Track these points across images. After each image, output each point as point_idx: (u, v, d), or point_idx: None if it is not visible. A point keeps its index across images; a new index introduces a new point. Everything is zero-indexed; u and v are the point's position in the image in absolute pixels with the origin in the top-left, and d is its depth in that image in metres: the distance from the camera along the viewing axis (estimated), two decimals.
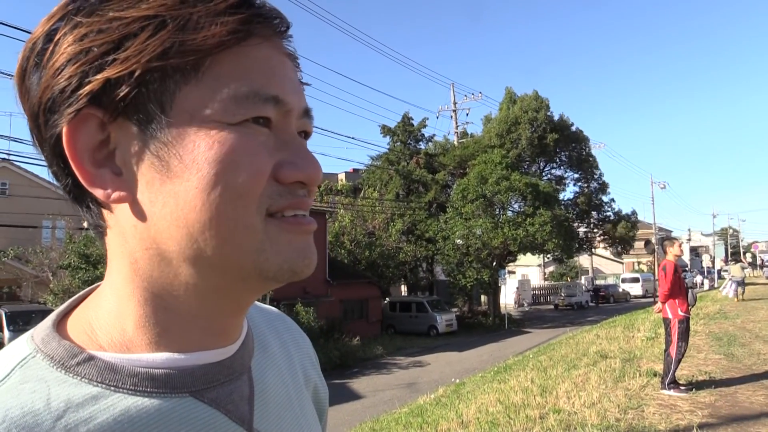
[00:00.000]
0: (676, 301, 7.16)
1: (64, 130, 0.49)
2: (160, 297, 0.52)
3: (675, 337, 7.07)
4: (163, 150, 0.49)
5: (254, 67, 0.51)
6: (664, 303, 7.26)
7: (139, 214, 0.51)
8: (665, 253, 7.47)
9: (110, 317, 0.53)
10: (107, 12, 0.48)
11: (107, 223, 0.54)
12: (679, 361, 7.12)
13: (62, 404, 0.46)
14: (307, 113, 0.57)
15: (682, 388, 7.07)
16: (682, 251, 7.53)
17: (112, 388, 0.49)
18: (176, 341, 0.53)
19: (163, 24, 0.48)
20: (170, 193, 0.49)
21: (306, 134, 0.58)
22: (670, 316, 7.20)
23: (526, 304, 42.17)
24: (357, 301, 25.05)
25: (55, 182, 0.55)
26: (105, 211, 0.54)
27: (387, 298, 28.68)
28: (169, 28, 0.48)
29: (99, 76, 0.47)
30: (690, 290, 7.43)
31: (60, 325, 0.54)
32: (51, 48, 0.49)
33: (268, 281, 0.53)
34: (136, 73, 0.47)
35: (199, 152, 0.49)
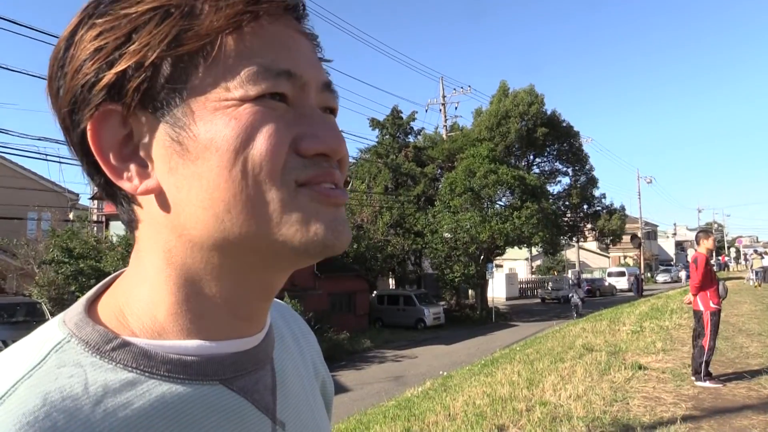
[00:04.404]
0: (708, 293, 7.25)
1: (88, 127, 0.51)
2: (193, 283, 0.53)
3: (708, 330, 7.15)
4: (182, 134, 0.50)
5: (264, 44, 0.51)
6: (695, 295, 7.35)
7: (168, 202, 0.52)
8: (698, 245, 7.54)
9: (142, 305, 0.53)
10: (118, 10, 0.50)
11: (139, 218, 0.55)
12: (711, 353, 7.19)
13: (100, 389, 0.47)
14: (327, 87, 0.57)
15: (716, 379, 7.15)
16: (715, 245, 7.65)
17: (147, 374, 0.50)
18: (207, 328, 0.54)
19: (168, 13, 0.49)
20: (194, 176, 0.50)
21: (332, 111, 0.58)
22: (701, 308, 7.28)
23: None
24: (345, 294, 25.05)
25: (90, 180, 0.58)
26: (135, 206, 0.55)
27: (375, 292, 28.70)
28: (174, 16, 0.49)
29: (111, 71, 0.49)
30: (721, 283, 7.50)
31: (91, 309, 0.54)
32: (71, 53, 0.51)
33: (300, 255, 0.53)
34: (146, 63, 0.49)
35: (217, 131, 0.49)
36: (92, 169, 0.54)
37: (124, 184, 0.52)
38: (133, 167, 0.52)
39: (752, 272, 28.63)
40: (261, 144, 0.49)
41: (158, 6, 0.49)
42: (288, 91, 0.52)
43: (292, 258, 0.53)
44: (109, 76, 0.49)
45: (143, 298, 0.53)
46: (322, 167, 0.53)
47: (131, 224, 0.56)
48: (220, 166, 0.49)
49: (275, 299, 0.75)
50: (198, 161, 0.50)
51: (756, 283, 26.58)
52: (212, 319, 0.54)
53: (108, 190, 0.55)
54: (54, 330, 0.51)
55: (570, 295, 28.03)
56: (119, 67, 0.49)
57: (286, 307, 0.78)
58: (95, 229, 23.82)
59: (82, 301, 0.55)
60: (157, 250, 0.54)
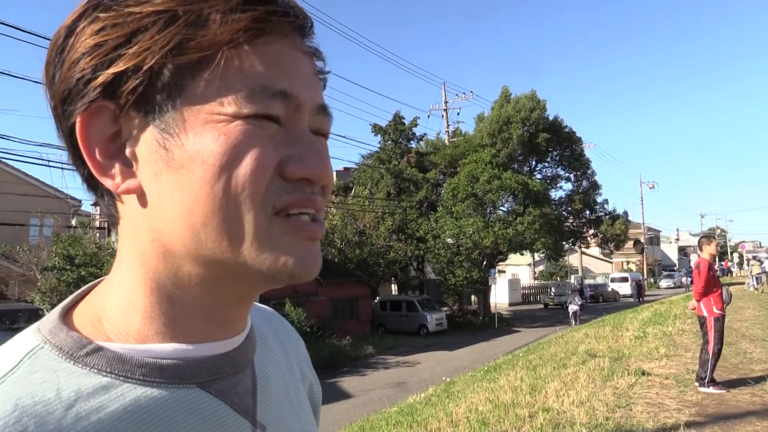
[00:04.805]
0: (711, 299, 7.23)
1: (78, 121, 0.51)
2: (166, 288, 0.53)
3: (712, 335, 7.13)
4: (170, 142, 0.50)
5: (264, 62, 0.51)
6: (698, 301, 7.32)
7: (147, 205, 0.52)
8: (701, 250, 7.51)
9: (118, 308, 0.53)
10: (123, 7, 0.49)
11: (119, 214, 0.55)
12: (717, 359, 7.15)
13: (73, 394, 0.47)
14: (323, 110, 0.57)
15: (719, 385, 7.12)
16: (718, 250, 7.62)
17: (121, 378, 0.50)
18: (183, 332, 0.54)
19: (174, 19, 0.49)
20: (176, 185, 0.50)
21: (324, 134, 0.58)
22: (705, 314, 7.26)
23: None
24: (347, 300, 25.01)
25: (75, 171, 0.57)
26: (117, 202, 0.55)
27: (377, 297, 28.67)
28: (179, 23, 0.49)
29: (109, 70, 0.49)
30: (725, 288, 7.48)
31: (66, 316, 0.55)
32: (71, 42, 0.51)
33: (266, 281, 0.53)
34: (144, 68, 0.49)
35: (205, 144, 0.49)
36: (78, 160, 0.54)
37: (107, 181, 0.52)
38: (117, 165, 0.52)
39: (752, 278, 29.46)
40: (247, 165, 0.49)
41: (164, 10, 0.49)
42: (282, 111, 0.52)
43: (257, 281, 0.54)
44: (105, 75, 0.49)
45: (120, 301, 0.53)
46: (304, 192, 0.53)
47: (111, 218, 0.57)
48: (203, 179, 0.49)
49: (261, 305, 0.76)
50: (182, 171, 0.50)
51: (756, 289, 27.27)
52: (188, 323, 0.54)
53: (91, 183, 0.55)
54: (29, 338, 0.51)
55: (567, 302, 26.52)
56: (117, 68, 0.49)
57: (273, 313, 0.78)
58: (98, 235, 23.85)
59: (58, 308, 0.55)
60: (134, 250, 0.54)
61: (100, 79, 0.49)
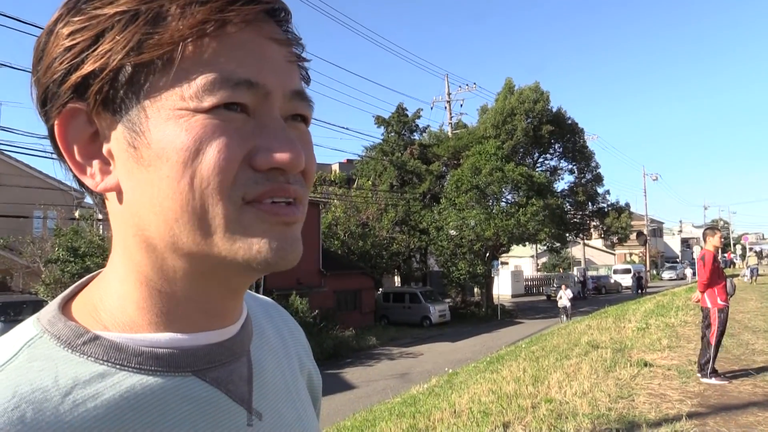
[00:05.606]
0: (715, 290, 7.25)
1: (55, 123, 0.52)
2: (153, 281, 0.54)
3: (715, 326, 7.16)
4: (138, 140, 0.50)
5: (226, 52, 0.50)
6: (703, 293, 7.34)
7: (125, 202, 0.53)
8: (705, 242, 7.53)
9: (113, 299, 0.55)
10: (92, 9, 0.50)
11: (107, 209, 0.57)
12: (717, 349, 7.19)
13: (70, 381, 0.48)
14: (299, 96, 0.55)
15: (721, 376, 7.15)
16: (721, 242, 7.62)
17: (118, 366, 0.51)
18: (176, 322, 0.55)
19: (134, 18, 0.49)
20: (146, 182, 0.51)
21: (303, 118, 0.57)
22: (709, 305, 7.29)
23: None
24: (350, 292, 25.06)
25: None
26: (105, 199, 0.56)
27: (380, 289, 28.71)
28: (139, 21, 0.49)
29: (77, 73, 0.50)
30: (729, 279, 7.50)
31: (65, 307, 0.56)
32: (48, 46, 0.52)
33: (246, 270, 0.53)
34: (107, 69, 0.49)
35: (168, 141, 0.49)
36: (63, 159, 0.55)
37: (87, 180, 0.54)
38: (96, 164, 0.53)
39: (747, 269, 30.32)
40: (210, 158, 0.49)
41: (126, 10, 0.49)
42: (249, 100, 0.51)
43: (238, 271, 0.53)
44: (74, 77, 0.50)
45: (115, 292, 0.55)
46: (276, 182, 0.52)
47: (103, 214, 0.58)
48: (169, 176, 0.49)
49: (260, 295, 0.76)
50: (150, 168, 0.50)
51: (751, 280, 28.23)
52: (180, 313, 0.55)
53: (80, 182, 0.56)
54: (29, 327, 0.53)
55: (558, 296, 24.12)
56: (82, 71, 0.50)
57: (271, 303, 0.78)
58: (101, 227, 23.90)
59: (57, 299, 0.57)
60: (121, 245, 0.55)
61: (70, 82, 0.50)
